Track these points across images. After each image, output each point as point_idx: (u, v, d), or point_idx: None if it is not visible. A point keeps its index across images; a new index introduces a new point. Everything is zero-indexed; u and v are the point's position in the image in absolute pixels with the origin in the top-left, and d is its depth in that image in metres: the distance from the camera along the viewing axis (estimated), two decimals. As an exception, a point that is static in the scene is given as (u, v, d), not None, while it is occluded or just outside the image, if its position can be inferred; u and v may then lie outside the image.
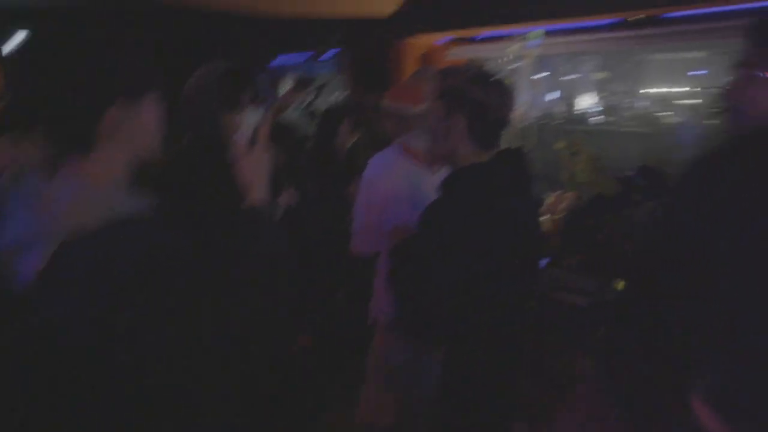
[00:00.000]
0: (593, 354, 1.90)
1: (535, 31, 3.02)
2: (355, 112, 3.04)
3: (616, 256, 2.32)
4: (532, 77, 3.51)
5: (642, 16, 2.57)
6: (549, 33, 3.09)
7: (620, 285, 2.19)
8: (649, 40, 2.67)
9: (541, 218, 2.49)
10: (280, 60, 5.08)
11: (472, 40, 3.57)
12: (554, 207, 2.86)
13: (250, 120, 1.73)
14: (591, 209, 2.52)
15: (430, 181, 1.71)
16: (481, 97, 1.35)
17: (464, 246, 1.32)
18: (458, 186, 1.41)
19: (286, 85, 5.29)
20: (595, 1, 2.54)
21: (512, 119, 1.51)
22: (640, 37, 2.68)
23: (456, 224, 1.32)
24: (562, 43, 3.14)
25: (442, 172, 1.66)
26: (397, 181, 1.86)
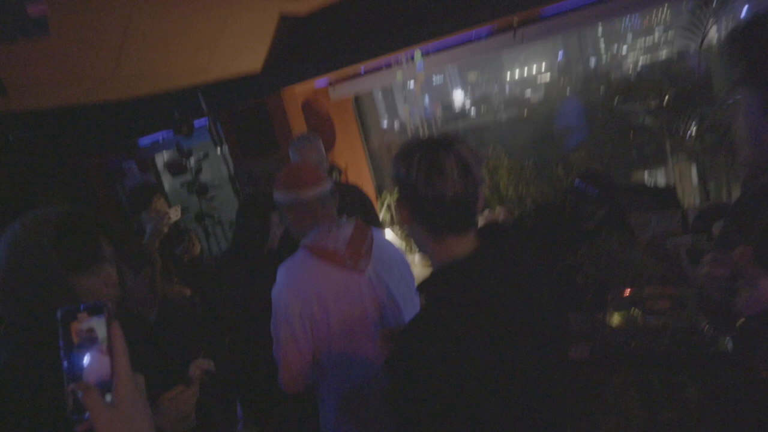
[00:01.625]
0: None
1: (417, 52, 2.96)
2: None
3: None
4: (419, 95, 3.47)
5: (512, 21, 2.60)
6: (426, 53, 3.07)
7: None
8: (513, 42, 2.74)
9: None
10: (146, 140, 4.64)
11: (355, 75, 3.45)
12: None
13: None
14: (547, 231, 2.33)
15: (362, 282, 1.52)
16: (405, 176, 0.98)
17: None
18: (440, 298, 0.99)
19: (158, 165, 4.81)
20: (447, 19, 2.57)
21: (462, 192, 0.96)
22: (504, 41, 2.77)
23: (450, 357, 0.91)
24: (438, 60, 3.12)
25: (371, 267, 1.55)
26: (329, 298, 1.47)
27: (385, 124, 4.06)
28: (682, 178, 3.49)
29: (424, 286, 1.02)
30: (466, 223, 0.99)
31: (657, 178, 3.92)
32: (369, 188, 3.87)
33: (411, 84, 3.28)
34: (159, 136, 4.62)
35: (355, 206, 2.60)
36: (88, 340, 0.67)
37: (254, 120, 3.44)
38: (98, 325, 0.67)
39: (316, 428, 1.69)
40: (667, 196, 2.55)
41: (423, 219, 0.99)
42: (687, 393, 1.41)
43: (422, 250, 1.05)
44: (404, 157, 0.98)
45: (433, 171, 0.94)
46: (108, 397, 0.65)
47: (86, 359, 0.67)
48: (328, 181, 1.63)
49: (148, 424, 0.68)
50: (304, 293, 1.46)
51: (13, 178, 4.54)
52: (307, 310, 1.46)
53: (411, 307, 1.61)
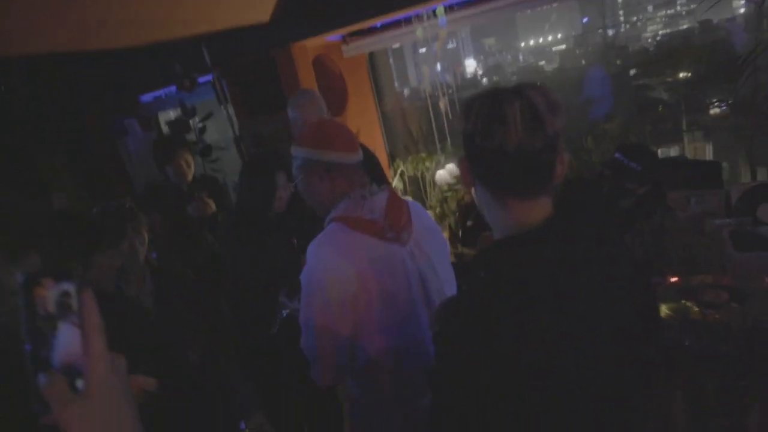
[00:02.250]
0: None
1: (439, 7, 2.71)
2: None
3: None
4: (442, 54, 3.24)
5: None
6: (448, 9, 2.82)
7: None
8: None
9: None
10: (148, 97, 4.42)
11: (371, 30, 3.19)
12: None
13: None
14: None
15: (405, 255, 1.34)
16: (464, 126, 0.84)
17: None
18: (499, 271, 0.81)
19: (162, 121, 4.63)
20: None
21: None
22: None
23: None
24: (462, 16, 2.87)
25: (412, 238, 1.36)
26: (371, 275, 1.27)
27: (400, 87, 3.83)
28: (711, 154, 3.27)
29: (482, 258, 0.90)
30: (535, 185, 0.83)
31: (692, 153, 3.70)
32: (381, 155, 3.67)
33: (432, 44, 3.04)
34: (162, 92, 4.41)
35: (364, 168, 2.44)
36: (60, 311, 0.52)
37: (261, 76, 3.21)
38: (70, 294, 0.53)
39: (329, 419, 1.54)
40: (709, 172, 2.35)
41: (483, 177, 0.86)
42: (747, 400, 1.24)
43: (487, 218, 0.91)
44: (466, 106, 0.84)
45: (492, 118, 0.79)
46: (79, 383, 0.51)
47: (55, 335, 0.52)
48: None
49: (129, 417, 0.53)
50: (343, 272, 1.25)
51: (12, 132, 4.39)
52: (347, 292, 1.25)
53: (451, 280, 1.47)
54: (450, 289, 1.43)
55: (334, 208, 1.35)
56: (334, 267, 1.26)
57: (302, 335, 1.32)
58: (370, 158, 2.51)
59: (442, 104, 3.07)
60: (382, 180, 2.54)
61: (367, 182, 1.40)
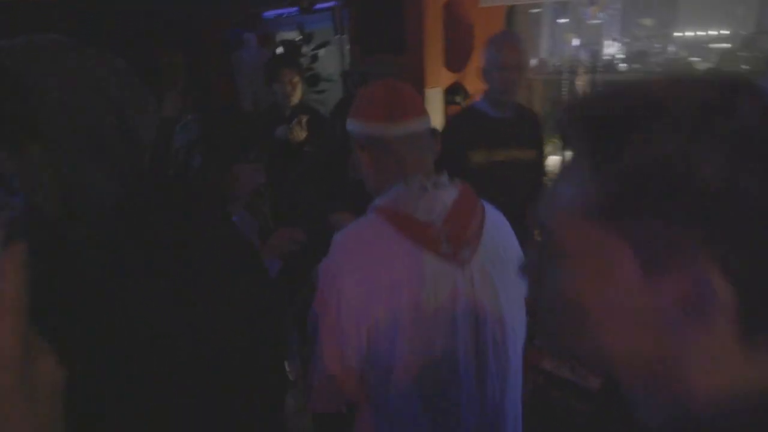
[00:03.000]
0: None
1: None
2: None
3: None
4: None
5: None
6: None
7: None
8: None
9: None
10: (270, 14, 4.33)
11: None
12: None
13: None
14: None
15: (461, 281, 0.97)
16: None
17: None
18: None
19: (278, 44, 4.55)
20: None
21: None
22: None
23: None
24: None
25: (478, 258, 1.00)
26: (406, 296, 0.94)
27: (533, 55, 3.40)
28: None
29: None
30: None
31: None
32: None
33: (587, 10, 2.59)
34: (284, 11, 4.30)
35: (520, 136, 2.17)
36: None
37: (385, 13, 2.94)
38: None
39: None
40: None
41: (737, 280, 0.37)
42: None
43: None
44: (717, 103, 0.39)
45: None
46: None
47: None
48: (427, 115, 1.09)
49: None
50: (369, 281, 0.94)
51: (137, 37, 4.54)
52: (369, 308, 0.93)
53: (520, 330, 1.09)
54: (515, 346, 1.05)
55: (383, 193, 1.03)
56: (358, 270, 0.94)
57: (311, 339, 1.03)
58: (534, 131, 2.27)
59: (581, 82, 2.64)
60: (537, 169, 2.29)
61: (431, 168, 1.06)
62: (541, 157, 2.34)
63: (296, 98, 2.62)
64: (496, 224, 1.08)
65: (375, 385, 1.00)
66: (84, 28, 4.48)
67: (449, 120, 2.59)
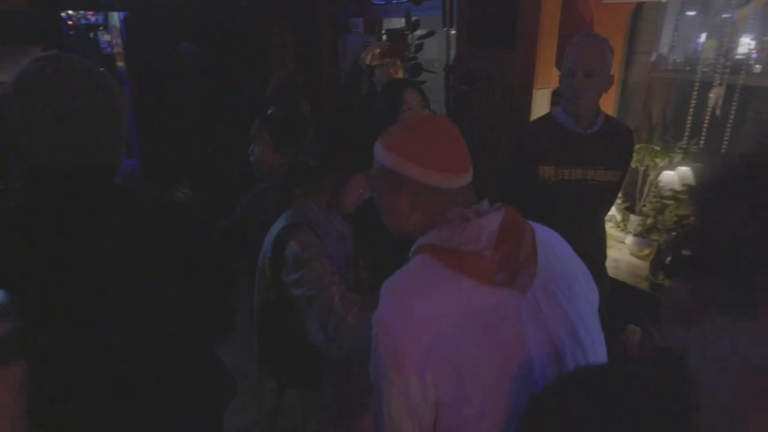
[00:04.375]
0: None
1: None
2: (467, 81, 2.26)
3: None
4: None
5: None
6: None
7: None
8: None
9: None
10: (381, 0, 4.30)
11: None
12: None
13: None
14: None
15: (523, 307, 0.91)
16: None
17: None
18: None
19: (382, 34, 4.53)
20: None
21: None
22: None
23: None
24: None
25: (537, 281, 0.94)
26: (469, 335, 0.88)
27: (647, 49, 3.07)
28: None
29: None
30: None
31: None
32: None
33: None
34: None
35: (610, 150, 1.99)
36: None
37: (498, 5, 2.79)
38: None
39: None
40: None
41: None
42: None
43: None
44: None
45: None
46: None
47: None
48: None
49: None
50: (429, 332, 0.87)
51: (250, 17, 4.75)
52: (433, 361, 0.86)
53: (597, 342, 1.02)
54: (597, 357, 1.00)
55: (422, 233, 0.98)
56: (415, 324, 0.87)
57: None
58: (621, 149, 2.06)
59: (715, 94, 2.34)
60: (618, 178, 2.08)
61: (469, 199, 1.01)
62: (620, 180, 2.11)
63: None
64: (548, 240, 1.02)
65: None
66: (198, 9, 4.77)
67: (524, 126, 2.42)
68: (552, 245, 1.02)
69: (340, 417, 1.45)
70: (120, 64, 6.06)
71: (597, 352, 1.01)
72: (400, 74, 2.68)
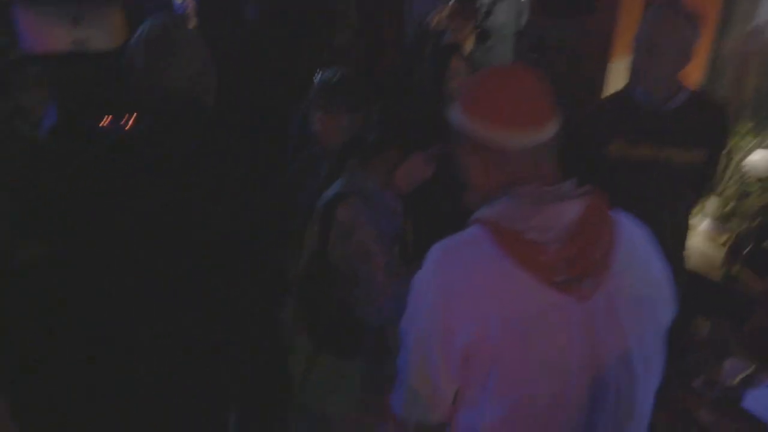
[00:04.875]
0: None
1: None
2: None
3: None
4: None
5: None
6: None
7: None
8: None
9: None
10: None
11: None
12: None
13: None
14: None
15: (577, 317, 0.80)
16: None
17: None
18: None
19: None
20: None
21: None
22: None
23: None
24: None
25: (603, 290, 0.81)
26: (510, 330, 0.80)
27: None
28: None
29: None
30: None
31: None
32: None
33: None
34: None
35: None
36: None
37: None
38: None
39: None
40: None
41: None
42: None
43: None
44: None
45: None
46: None
47: None
48: (557, 117, 0.87)
49: None
50: (461, 307, 0.81)
51: None
52: (460, 336, 0.81)
53: (655, 373, 0.91)
54: (645, 392, 0.89)
55: (489, 203, 0.86)
56: (451, 295, 0.81)
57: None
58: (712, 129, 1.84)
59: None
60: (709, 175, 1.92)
61: (552, 174, 0.86)
62: (705, 164, 1.88)
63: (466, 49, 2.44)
64: (635, 244, 0.88)
65: (464, 426, 0.91)
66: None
67: (595, 102, 2.24)
68: (636, 249, 0.88)
69: (366, 393, 1.47)
70: (192, 24, 6.22)
71: (649, 385, 0.90)
72: (470, 40, 2.56)
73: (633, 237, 0.88)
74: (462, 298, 0.82)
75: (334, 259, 1.34)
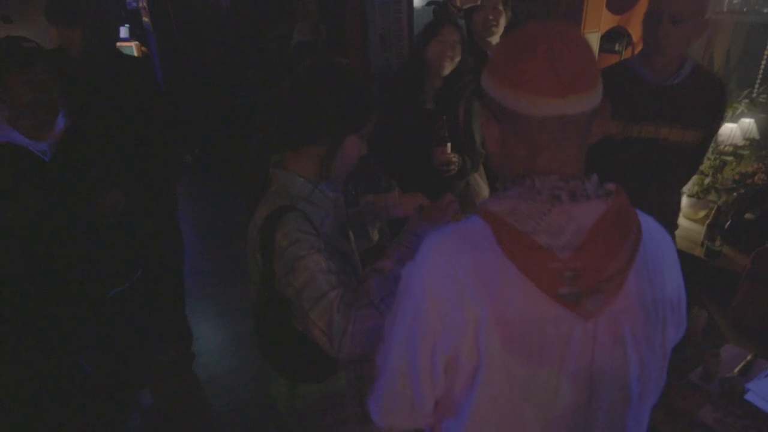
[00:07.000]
0: None
1: None
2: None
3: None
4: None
5: None
6: None
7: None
8: None
9: None
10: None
11: None
12: None
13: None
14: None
15: (578, 334, 0.71)
16: None
17: None
18: None
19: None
20: None
21: None
22: None
23: None
24: None
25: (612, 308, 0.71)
26: (505, 337, 0.71)
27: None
28: None
29: None
30: None
31: None
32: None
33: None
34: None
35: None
36: None
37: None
38: None
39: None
40: None
41: None
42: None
43: None
44: None
45: None
46: None
47: None
48: (598, 87, 0.72)
49: None
50: (451, 306, 0.71)
51: None
52: (447, 335, 0.72)
53: (654, 390, 0.82)
54: (639, 410, 0.80)
55: (497, 192, 0.75)
56: (442, 289, 0.71)
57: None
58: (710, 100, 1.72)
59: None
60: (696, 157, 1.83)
61: (576, 164, 0.74)
62: (702, 143, 1.81)
63: (452, 66, 2.02)
64: (657, 259, 0.76)
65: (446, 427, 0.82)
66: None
67: None
68: (657, 265, 0.76)
69: (360, 406, 1.34)
70: (145, 19, 5.93)
71: (644, 406, 0.81)
72: (501, 23, 2.32)
73: (657, 251, 0.76)
74: (454, 300, 0.71)
75: (281, 288, 1.12)
